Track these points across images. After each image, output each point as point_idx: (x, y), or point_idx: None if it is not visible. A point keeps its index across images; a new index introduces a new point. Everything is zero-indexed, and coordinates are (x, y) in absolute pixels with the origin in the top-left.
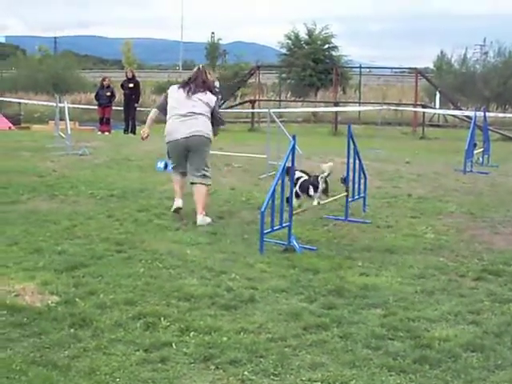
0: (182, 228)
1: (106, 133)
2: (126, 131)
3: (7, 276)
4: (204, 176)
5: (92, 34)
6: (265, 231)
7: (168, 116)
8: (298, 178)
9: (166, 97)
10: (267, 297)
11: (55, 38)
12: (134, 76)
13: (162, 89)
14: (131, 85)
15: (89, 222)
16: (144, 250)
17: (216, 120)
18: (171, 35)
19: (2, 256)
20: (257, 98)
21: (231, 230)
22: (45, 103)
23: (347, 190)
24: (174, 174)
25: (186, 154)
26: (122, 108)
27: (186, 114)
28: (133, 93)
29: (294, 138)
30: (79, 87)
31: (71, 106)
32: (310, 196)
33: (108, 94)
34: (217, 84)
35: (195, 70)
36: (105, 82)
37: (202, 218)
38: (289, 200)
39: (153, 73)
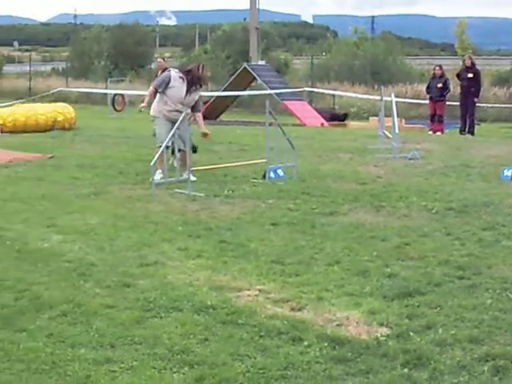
0: None
1: (438, 133)
2: (462, 131)
3: (327, 301)
4: None
5: (417, 13)
6: None
7: None
8: None
9: None
10: None
11: (372, 17)
12: (473, 64)
13: (503, 79)
14: (470, 75)
15: (423, 240)
16: (491, 277)
17: None
18: None
19: (322, 277)
20: None
21: None
22: (364, 96)
23: None
24: None
25: None
26: (457, 103)
27: None
28: (472, 85)
29: None
30: (403, 77)
31: (397, 99)
32: None
33: (439, 85)
34: None
35: None
36: (436, 72)
37: None
38: None
39: (491, 60)
